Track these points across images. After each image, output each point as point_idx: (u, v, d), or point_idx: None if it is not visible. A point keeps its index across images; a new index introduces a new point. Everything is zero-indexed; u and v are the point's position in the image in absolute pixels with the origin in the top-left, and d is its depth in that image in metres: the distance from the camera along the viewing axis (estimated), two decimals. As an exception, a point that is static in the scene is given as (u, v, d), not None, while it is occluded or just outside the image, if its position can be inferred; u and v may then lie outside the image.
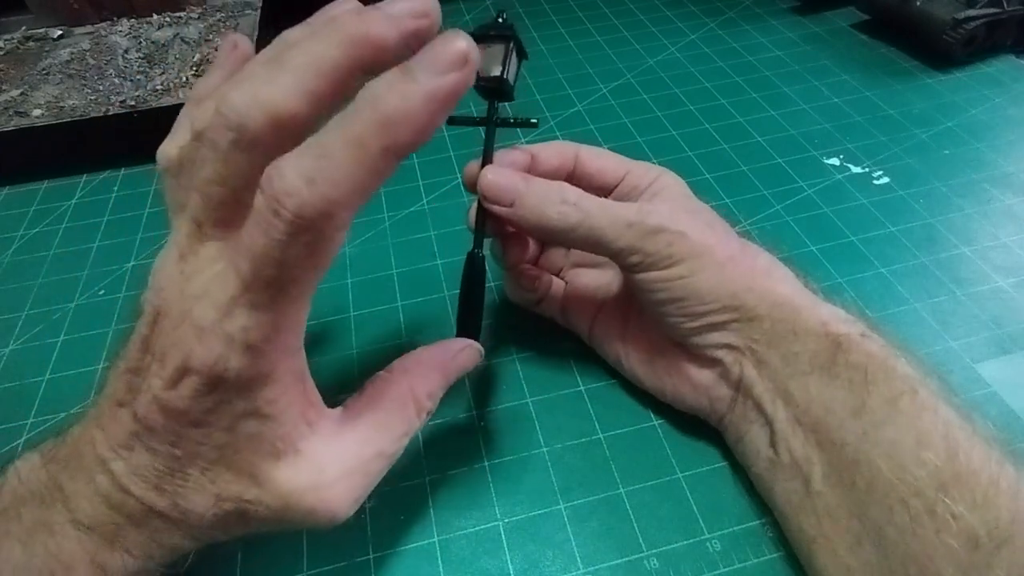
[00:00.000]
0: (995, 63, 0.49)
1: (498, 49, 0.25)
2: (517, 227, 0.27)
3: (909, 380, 0.22)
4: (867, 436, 0.21)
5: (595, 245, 0.25)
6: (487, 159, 0.26)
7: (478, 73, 0.25)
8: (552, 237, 0.25)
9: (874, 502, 0.20)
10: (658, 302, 0.25)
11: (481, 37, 0.25)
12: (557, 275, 0.32)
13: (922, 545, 0.19)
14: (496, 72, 0.25)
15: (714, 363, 0.26)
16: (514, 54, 0.26)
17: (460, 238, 0.38)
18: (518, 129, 0.37)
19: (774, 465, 0.24)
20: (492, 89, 0.26)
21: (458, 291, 0.27)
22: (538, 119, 0.28)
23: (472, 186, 0.26)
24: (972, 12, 0.46)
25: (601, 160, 0.28)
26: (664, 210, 0.25)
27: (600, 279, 0.30)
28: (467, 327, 0.27)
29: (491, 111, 0.27)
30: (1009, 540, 0.18)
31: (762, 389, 0.24)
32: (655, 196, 0.26)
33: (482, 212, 0.27)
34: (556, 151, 0.28)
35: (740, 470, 0.27)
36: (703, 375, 0.26)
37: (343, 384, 0.31)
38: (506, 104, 0.27)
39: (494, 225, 0.27)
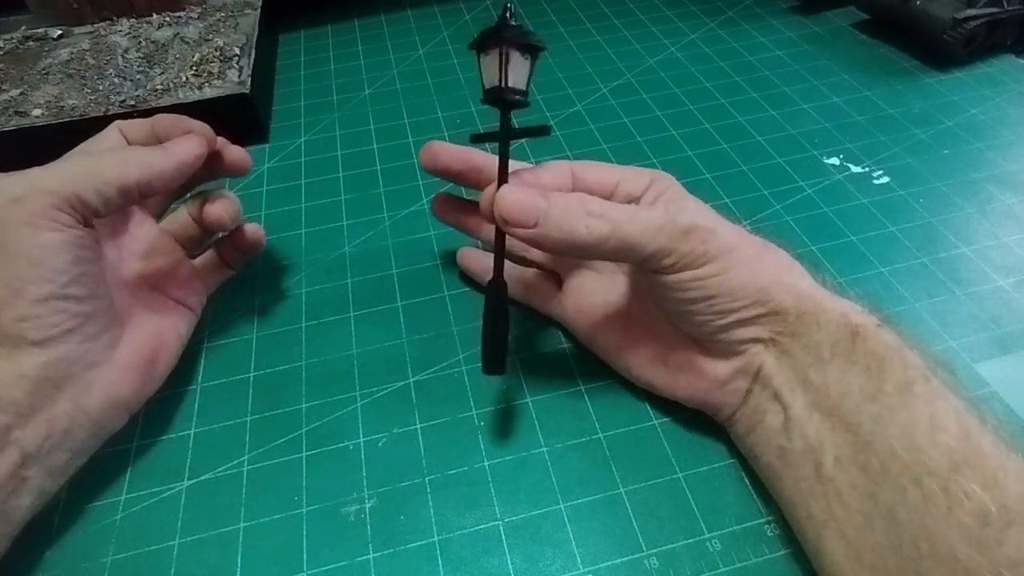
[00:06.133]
0: (995, 63, 0.49)
1: (495, 55, 0.24)
2: (540, 247, 0.25)
3: (922, 368, 0.22)
4: (882, 419, 0.21)
5: (627, 254, 0.24)
6: (502, 176, 0.25)
7: (483, 85, 0.25)
8: (580, 252, 0.24)
9: (887, 482, 0.21)
10: (688, 301, 0.25)
11: (481, 44, 0.24)
12: (555, 276, 0.32)
13: (935, 523, 0.19)
14: (493, 83, 0.24)
15: (736, 356, 0.26)
16: (514, 55, 0.24)
17: (460, 238, 0.38)
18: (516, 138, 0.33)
19: (785, 453, 0.24)
20: (497, 100, 0.24)
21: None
22: (549, 125, 0.27)
23: (492, 215, 0.24)
24: (972, 12, 0.46)
25: (595, 172, 0.27)
26: (689, 208, 0.25)
27: (599, 281, 0.30)
28: (494, 361, 0.26)
29: (502, 123, 0.25)
30: (1017, 520, 0.18)
31: (782, 379, 0.24)
32: (658, 199, 0.26)
33: (500, 237, 0.25)
34: (552, 172, 0.27)
35: (740, 469, 0.27)
36: (720, 369, 0.26)
37: (344, 384, 0.31)
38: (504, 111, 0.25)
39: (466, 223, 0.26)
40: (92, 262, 0.25)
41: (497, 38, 0.23)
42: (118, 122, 0.29)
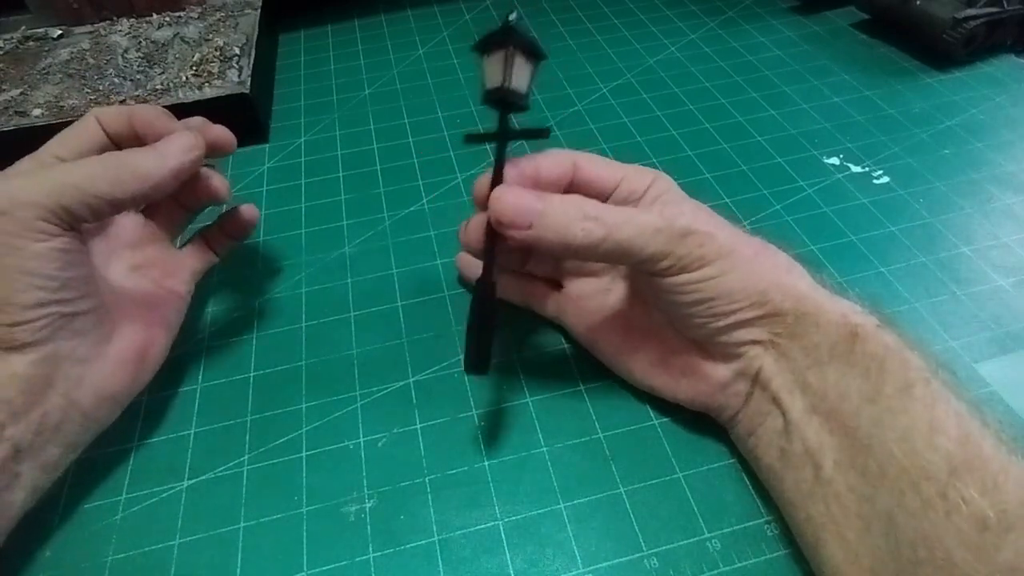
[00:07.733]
0: (995, 63, 0.49)
1: (499, 56, 0.23)
2: (532, 247, 0.25)
3: (923, 371, 0.22)
4: (881, 421, 0.21)
5: (622, 257, 0.24)
6: (497, 176, 0.25)
7: (483, 85, 0.25)
8: (575, 254, 0.24)
9: (885, 486, 0.21)
10: (686, 303, 0.25)
11: (484, 45, 0.24)
12: (551, 281, 0.32)
13: (932, 527, 0.19)
14: (496, 83, 0.24)
15: (735, 359, 0.26)
16: (518, 58, 0.24)
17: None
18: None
19: (785, 455, 0.24)
20: (498, 101, 0.24)
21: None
22: (549, 127, 0.26)
23: (484, 204, 0.25)
24: (972, 11, 0.46)
25: (597, 167, 0.27)
26: (687, 211, 0.25)
27: (598, 285, 0.30)
28: (478, 361, 0.26)
29: (501, 124, 0.25)
30: (1016, 526, 0.18)
31: (781, 381, 0.24)
32: (655, 200, 0.26)
33: (491, 235, 0.25)
34: (556, 161, 0.26)
35: (740, 469, 0.27)
36: (721, 372, 0.26)
37: (344, 384, 0.31)
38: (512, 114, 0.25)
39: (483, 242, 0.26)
40: (81, 264, 0.25)
41: (502, 39, 0.23)
42: (95, 111, 0.28)
